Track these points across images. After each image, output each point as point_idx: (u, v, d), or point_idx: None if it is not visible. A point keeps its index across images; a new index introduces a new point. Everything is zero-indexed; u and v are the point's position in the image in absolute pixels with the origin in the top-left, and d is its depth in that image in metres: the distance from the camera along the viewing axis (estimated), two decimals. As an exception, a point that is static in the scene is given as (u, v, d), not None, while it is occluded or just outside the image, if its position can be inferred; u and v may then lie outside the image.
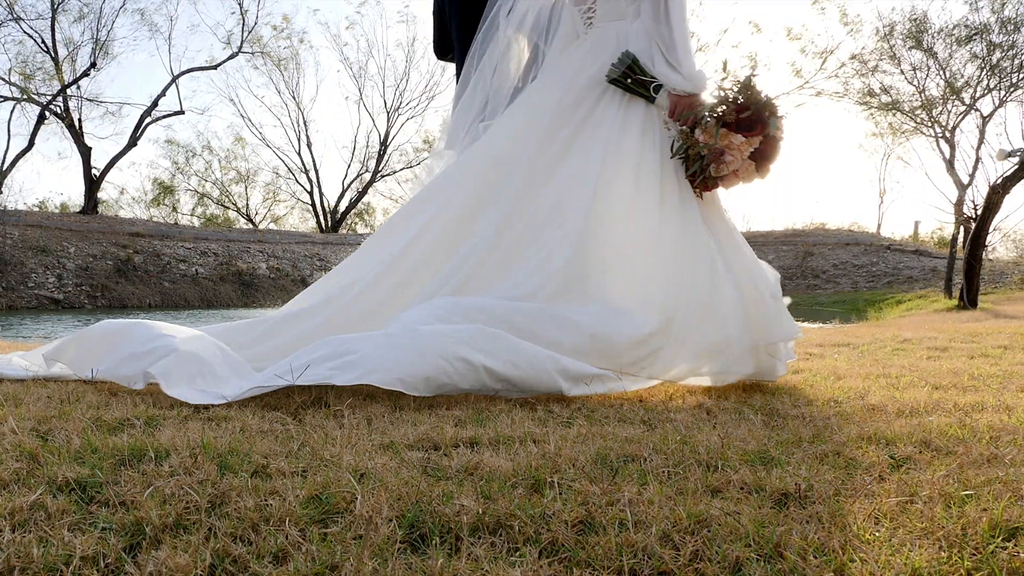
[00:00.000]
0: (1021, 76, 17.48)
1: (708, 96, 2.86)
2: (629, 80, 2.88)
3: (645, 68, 2.87)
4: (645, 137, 2.89)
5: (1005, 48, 17.89)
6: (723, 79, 2.80)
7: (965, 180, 17.54)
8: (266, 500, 1.38)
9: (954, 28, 18.67)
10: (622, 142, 2.88)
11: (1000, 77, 17.88)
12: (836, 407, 2.35)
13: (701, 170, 2.76)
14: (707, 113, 2.77)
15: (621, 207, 2.82)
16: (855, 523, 1.26)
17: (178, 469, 1.57)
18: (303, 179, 37.41)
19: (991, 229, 12.83)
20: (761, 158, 2.75)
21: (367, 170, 37.39)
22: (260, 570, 1.11)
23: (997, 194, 11.20)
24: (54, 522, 1.27)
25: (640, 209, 2.83)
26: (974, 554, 1.15)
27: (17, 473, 1.52)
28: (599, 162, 2.84)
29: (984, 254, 12.46)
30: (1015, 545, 1.16)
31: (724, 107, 2.75)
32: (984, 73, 18.18)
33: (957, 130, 18.58)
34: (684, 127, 2.82)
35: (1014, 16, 17.91)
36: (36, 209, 30.96)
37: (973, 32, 18.16)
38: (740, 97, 2.75)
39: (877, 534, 1.22)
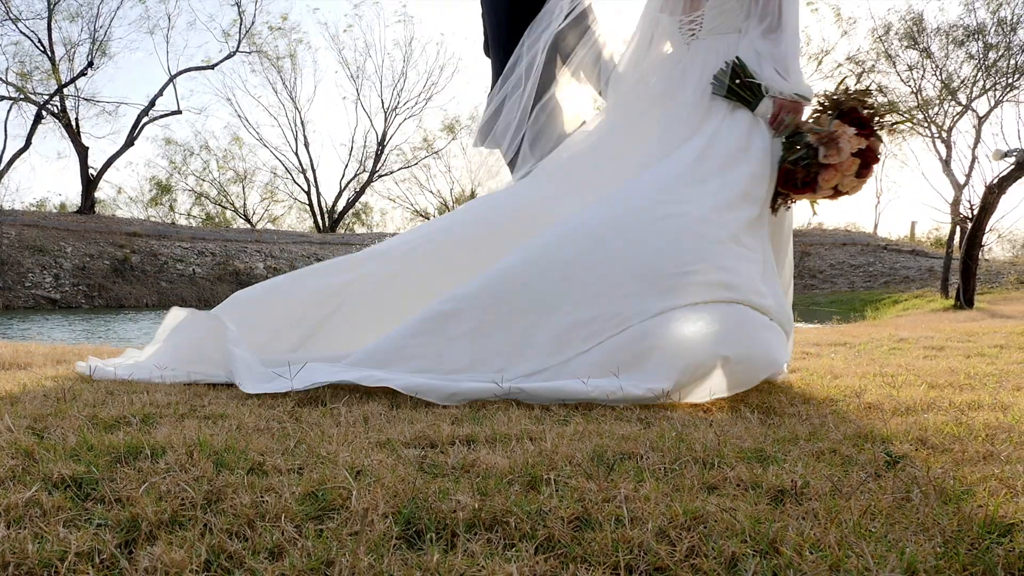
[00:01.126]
0: (1017, 77, 17.52)
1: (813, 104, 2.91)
2: (737, 81, 2.87)
3: (753, 73, 2.86)
4: (747, 151, 2.87)
5: (1001, 49, 17.94)
6: (841, 80, 2.85)
7: (961, 180, 17.58)
8: (262, 497, 1.38)
9: (950, 29, 18.71)
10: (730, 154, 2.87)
11: (996, 77, 17.92)
12: (832, 405, 2.35)
13: (808, 156, 2.74)
14: (818, 114, 2.83)
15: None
16: (851, 519, 1.26)
17: (174, 466, 1.56)
18: (300, 179, 37.42)
19: (987, 229, 12.87)
20: (864, 161, 2.76)
21: (365, 170, 37.40)
22: (256, 566, 1.11)
23: (993, 194, 11.22)
24: (49, 518, 1.27)
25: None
26: (970, 550, 1.15)
27: (12, 470, 1.52)
28: (716, 176, 2.80)
29: (980, 254, 12.47)
30: (1011, 541, 1.16)
31: (843, 97, 2.79)
32: (980, 73, 18.22)
33: (954, 130, 18.63)
34: (782, 129, 2.84)
35: (1010, 17, 17.95)
36: (33, 208, 30.93)
37: (969, 32, 18.20)
38: (857, 96, 2.80)
39: (873, 530, 1.22)
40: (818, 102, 2.85)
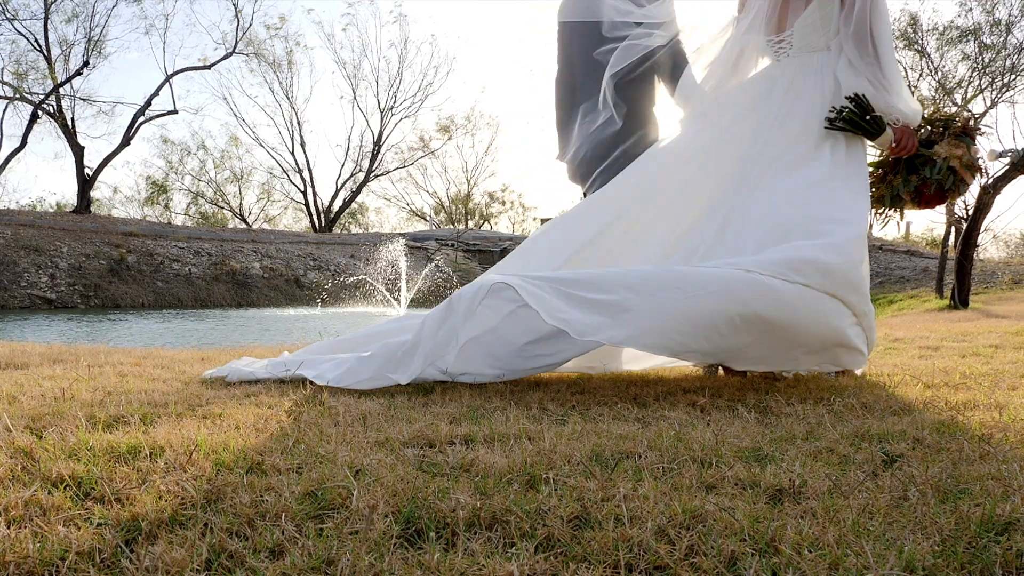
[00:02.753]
0: (1013, 77, 17.55)
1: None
2: (867, 118, 2.93)
3: (873, 105, 2.93)
4: (841, 167, 2.95)
5: (996, 49, 17.97)
6: (942, 107, 3.00)
7: (957, 180, 17.56)
8: (262, 496, 1.38)
9: (944, 30, 18.74)
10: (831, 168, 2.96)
11: (992, 78, 17.95)
12: (829, 405, 2.36)
13: (955, 182, 2.93)
14: (939, 130, 2.97)
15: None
16: (849, 518, 1.27)
17: (173, 465, 1.57)
18: (297, 179, 37.42)
19: (982, 229, 12.89)
20: (971, 172, 2.94)
21: (361, 170, 37.40)
22: (256, 565, 1.11)
23: (988, 194, 11.24)
24: (49, 518, 1.27)
25: None
26: (968, 548, 1.15)
27: (12, 470, 1.52)
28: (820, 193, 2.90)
29: (975, 254, 12.49)
30: (1008, 539, 1.17)
31: (959, 122, 2.98)
32: (976, 74, 18.25)
33: (949, 130, 18.60)
34: (910, 154, 2.98)
35: (1005, 18, 17.99)
36: (29, 208, 30.87)
37: (964, 32, 18.23)
38: (961, 116, 2.99)
39: (871, 529, 1.23)
40: (927, 123, 2.97)
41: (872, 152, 3.07)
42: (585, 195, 3.58)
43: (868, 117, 2.93)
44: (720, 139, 3.15)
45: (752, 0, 3.19)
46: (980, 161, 2.91)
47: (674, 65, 3.45)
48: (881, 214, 3.06)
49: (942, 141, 2.97)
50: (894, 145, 2.97)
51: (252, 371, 2.94)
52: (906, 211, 3.12)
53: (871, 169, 3.09)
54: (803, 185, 2.87)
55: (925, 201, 2.99)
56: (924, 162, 2.94)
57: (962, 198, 15.71)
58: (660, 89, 3.55)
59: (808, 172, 2.90)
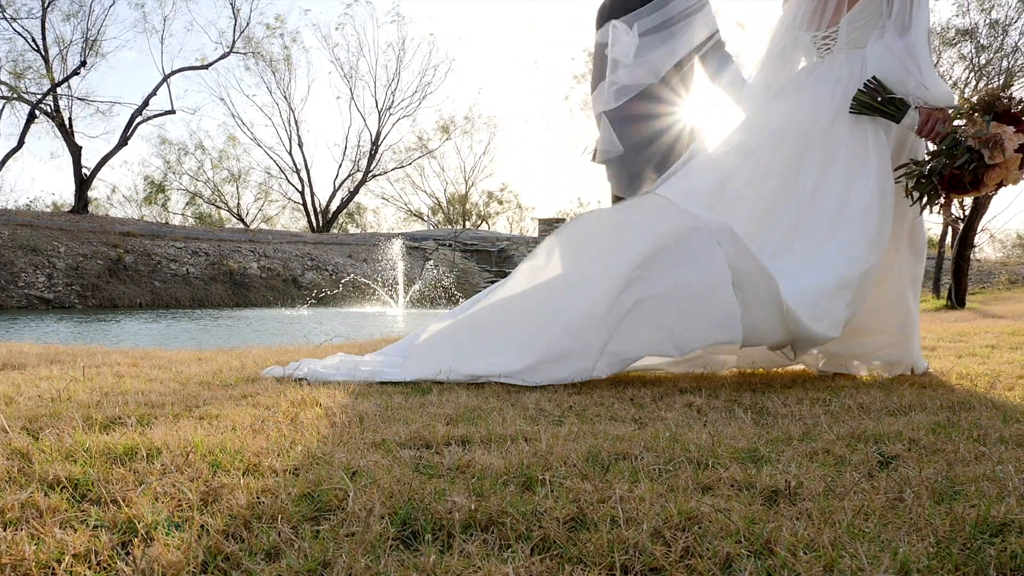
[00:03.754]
0: (1009, 78, 17.56)
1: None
2: (879, 100, 2.95)
3: (891, 88, 2.96)
4: (883, 164, 3.00)
5: (993, 51, 17.98)
6: (985, 86, 2.94)
7: (954, 181, 17.57)
8: (258, 498, 1.38)
9: (941, 30, 18.76)
10: (869, 166, 3.00)
11: (988, 79, 17.97)
12: (825, 406, 2.36)
13: (971, 159, 2.83)
14: (968, 116, 2.89)
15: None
16: (845, 520, 1.27)
17: (170, 467, 1.57)
18: (294, 179, 37.41)
19: (979, 229, 12.90)
20: (994, 152, 2.84)
21: (358, 170, 37.39)
22: (253, 567, 1.11)
23: (984, 195, 11.25)
24: (46, 520, 1.27)
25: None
26: (962, 550, 1.16)
27: (8, 471, 1.52)
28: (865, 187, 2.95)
29: (972, 254, 12.51)
30: (1003, 541, 1.17)
31: (993, 99, 2.87)
32: (972, 75, 18.28)
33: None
34: (936, 138, 2.93)
35: (1002, 19, 18.01)
36: (25, 208, 30.82)
37: (962, 33, 18.24)
38: (1007, 96, 2.88)
39: (866, 530, 1.23)
40: (968, 106, 2.93)
41: None
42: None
43: (880, 99, 2.94)
44: (776, 136, 3.17)
45: None
46: (1007, 142, 2.79)
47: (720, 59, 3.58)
48: (918, 200, 3.00)
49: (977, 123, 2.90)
50: (919, 127, 2.97)
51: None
52: (950, 198, 3.01)
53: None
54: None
55: (953, 186, 2.92)
56: (952, 143, 2.90)
57: (958, 199, 15.75)
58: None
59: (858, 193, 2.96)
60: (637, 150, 3.67)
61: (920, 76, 2.92)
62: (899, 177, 3.00)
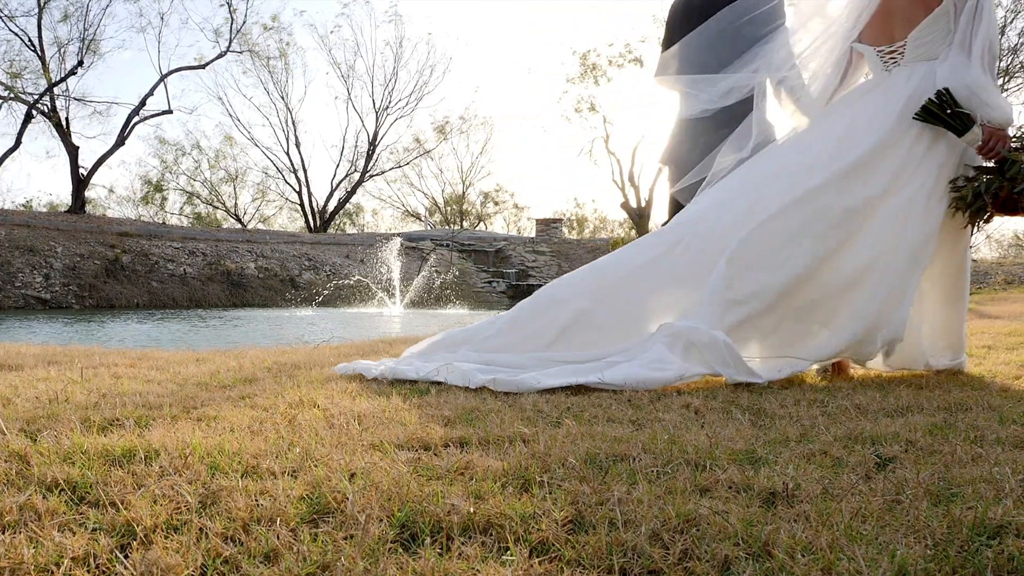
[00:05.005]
0: (1007, 79, 17.59)
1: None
2: (948, 112, 2.97)
3: (960, 102, 2.97)
4: (942, 176, 3.05)
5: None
6: None
7: (951, 181, 17.58)
8: (257, 500, 1.38)
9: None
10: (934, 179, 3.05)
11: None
12: (822, 407, 2.37)
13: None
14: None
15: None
16: (842, 522, 1.27)
17: (168, 469, 1.57)
18: (292, 179, 37.34)
19: (975, 230, 12.89)
20: None
21: (356, 170, 37.34)
22: (251, 570, 1.12)
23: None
24: (44, 523, 1.27)
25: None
26: (960, 552, 1.16)
27: (6, 474, 1.52)
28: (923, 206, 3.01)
29: (968, 254, 12.51)
30: (1000, 543, 1.18)
31: None
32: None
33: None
34: (995, 158, 2.97)
35: (1000, 19, 18.02)
36: (23, 208, 30.79)
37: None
38: None
39: (864, 532, 1.24)
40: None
41: None
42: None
43: (949, 111, 2.96)
44: (839, 146, 3.17)
45: (855, 9, 3.23)
46: None
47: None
48: (966, 215, 3.04)
49: None
50: (980, 144, 2.99)
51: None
52: (994, 217, 3.07)
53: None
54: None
55: (1004, 207, 2.97)
56: (1011, 166, 2.93)
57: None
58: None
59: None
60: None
61: (985, 94, 2.94)
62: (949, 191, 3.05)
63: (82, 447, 1.71)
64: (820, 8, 3.38)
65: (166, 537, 1.22)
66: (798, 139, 3.35)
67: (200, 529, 1.25)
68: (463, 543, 1.21)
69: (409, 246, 27.65)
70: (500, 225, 45.66)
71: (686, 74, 3.70)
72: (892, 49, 3.15)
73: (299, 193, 37.25)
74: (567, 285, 3.30)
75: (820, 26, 3.37)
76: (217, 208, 39.75)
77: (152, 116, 28.82)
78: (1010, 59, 17.68)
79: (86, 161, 27.57)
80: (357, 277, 22.38)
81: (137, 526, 1.25)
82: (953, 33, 3.01)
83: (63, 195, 39.55)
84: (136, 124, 28.08)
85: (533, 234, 35.45)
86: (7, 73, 25.76)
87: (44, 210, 33.24)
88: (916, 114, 3.00)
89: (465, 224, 40.22)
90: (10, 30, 25.90)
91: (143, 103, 27.90)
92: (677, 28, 3.85)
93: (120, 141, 27.53)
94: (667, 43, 3.93)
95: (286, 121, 36.45)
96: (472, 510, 1.32)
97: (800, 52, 3.41)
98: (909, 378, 3.05)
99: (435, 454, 1.75)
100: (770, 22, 3.54)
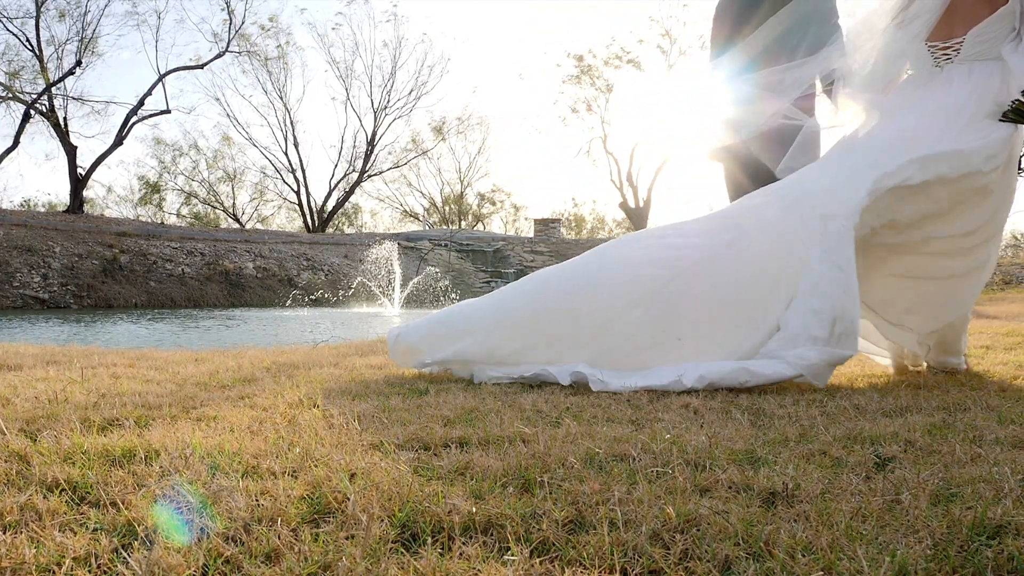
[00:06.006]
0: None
1: None
2: None
3: None
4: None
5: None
6: None
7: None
8: (257, 500, 1.38)
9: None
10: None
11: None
12: (822, 407, 2.37)
13: None
14: None
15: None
16: (842, 522, 1.28)
17: (169, 469, 1.57)
18: (290, 179, 37.35)
19: None
20: None
21: (354, 170, 37.34)
22: (252, 570, 1.12)
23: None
24: (45, 523, 1.27)
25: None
26: (960, 552, 1.16)
27: (7, 474, 1.52)
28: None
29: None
30: (999, 543, 1.18)
31: None
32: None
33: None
34: None
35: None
36: (21, 208, 30.76)
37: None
38: None
39: (864, 532, 1.24)
40: None
41: None
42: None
43: None
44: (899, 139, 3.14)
45: (918, 4, 3.17)
46: None
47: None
48: None
49: None
50: None
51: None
52: None
53: None
54: None
55: None
56: None
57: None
58: None
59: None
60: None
61: None
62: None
63: (82, 447, 1.71)
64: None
65: (168, 537, 1.22)
66: (878, 128, 3.26)
67: (201, 529, 1.25)
68: (464, 543, 1.21)
69: (407, 246, 27.66)
70: (498, 225, 45.74)
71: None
72: (947, 45, 3.09)
73: (297, 193, 37.28)
74: None
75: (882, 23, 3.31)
76: (215, 208, 39.76)
77: (150, 116, 28.84)
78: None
79: (84, 161, 27.57)
80: (360, 279, 22.35)
81: (139, 526, 1.26)
82: (1017, 31, 2.96)
83: (61, 195, 39.53)
84: (134, 124, 28.11)
85: (531, 234, 35.50)
86: (5, 73, 25.75)
87: (42, 210, 33.21)
88: (1004, 116, 2.95)
89: (463, 224, 40.22)
90: (8, 30, 25.91)
91: (141, 103, 27.90)
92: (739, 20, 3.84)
93: (118, 141, 27.53)
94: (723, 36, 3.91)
95: (284, 121, 36.46)
96: (473, 510, 1.32)
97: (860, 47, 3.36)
98: (908, 378, 3.06)
99: (435, 454, 1.76)
100: (826, 21, 3.55)
